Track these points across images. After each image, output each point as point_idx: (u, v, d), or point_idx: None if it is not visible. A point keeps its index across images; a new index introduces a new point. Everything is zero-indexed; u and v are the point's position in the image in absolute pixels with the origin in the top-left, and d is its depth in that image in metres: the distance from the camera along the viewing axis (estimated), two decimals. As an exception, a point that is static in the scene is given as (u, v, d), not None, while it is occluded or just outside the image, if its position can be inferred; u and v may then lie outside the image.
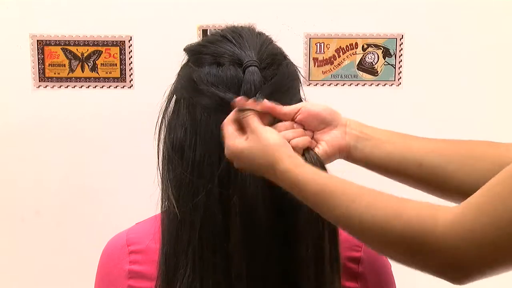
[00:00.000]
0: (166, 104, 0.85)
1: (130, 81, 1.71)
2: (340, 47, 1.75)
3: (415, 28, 1.75)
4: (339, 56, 1.75)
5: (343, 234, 0.84)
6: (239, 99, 0.75)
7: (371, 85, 1.77)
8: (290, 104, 0.79)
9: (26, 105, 1.70)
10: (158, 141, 0.84)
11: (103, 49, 1.70)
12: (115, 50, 1.70)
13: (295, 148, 0.74)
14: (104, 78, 1.71)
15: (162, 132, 0.84)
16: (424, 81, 1.78)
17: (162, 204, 0.83)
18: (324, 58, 1.75)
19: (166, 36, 1.68)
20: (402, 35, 1.76)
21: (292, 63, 0.85)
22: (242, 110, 0.75)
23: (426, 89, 1.78)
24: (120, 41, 1.70)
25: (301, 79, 0.86)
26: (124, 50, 1.70)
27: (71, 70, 1.70)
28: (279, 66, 0.81)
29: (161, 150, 0.84)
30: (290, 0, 1.72)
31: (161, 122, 0.84)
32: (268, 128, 0.74)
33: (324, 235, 0.79)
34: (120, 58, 1.70)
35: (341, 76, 1.77)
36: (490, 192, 0.58)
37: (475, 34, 1.77)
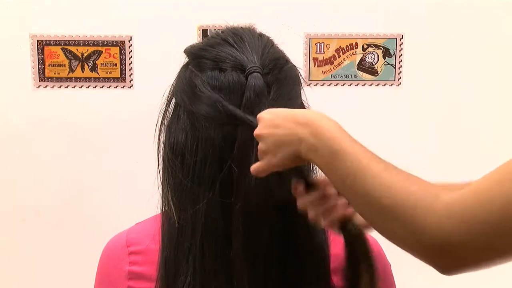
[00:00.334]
0: (166, 106, 0.84)
1: (130, 81, 1.71)
2: (340, 47, 1.75)
3: (415, 28, 1.75)
4: (339, 56, 1.75)
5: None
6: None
7: (371, 85, 1.77)
8: (292, 108, 0.79)
9: (26, 105, 1.70)
10: (158, 143, 0.84)
11: (103, 49, 1.70)
12: (115, 50, 1.70)
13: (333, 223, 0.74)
14: (104, 78, 1.71)
15: (162, 134, 0.84)
16: (424, 81, 1.78)
17: (162, 205, 0.83)
18: (324, 58, 1.75)
19: (166, 36, 1.68)
20: (402, 35, 1.76)
21: (294, 67, 0.84)
22: None
23: (426, 89, 1.78)
24: (120, 41, 1.70)
25: (302, 81, 0.85)
26: (124, 50, 1.70)
27: (71, 70, 1.70)
28: (281, 71, 0.81)
29: (161, 153, 0.83)
30: (290, 0, 1.72)
31: (161, 124, 0.84)
32: None
33: (327, 241, 0.79)
34: (120, 58, 1.70)
35: (341, 76, 1.76)
36: (488, 178, 0.59)
37: (475, 34, 1.77)
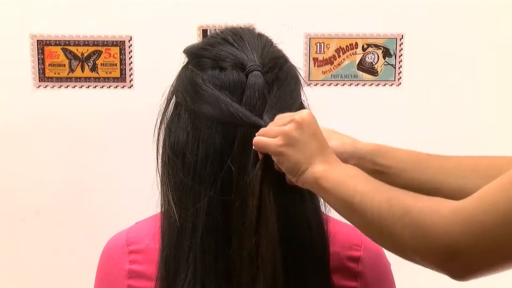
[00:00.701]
0: (166, 105, 0.84)
1: (130, 81, 1.71)
2: (340, 47, 1.75)
3: (415, 28, 1.75)
4: (339, 56, 1.75)
5: (343, 234, 0.84)
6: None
7: (371, 85, 1.77)
8: (292, 107, 0.79)
9: (26, 105, 1.70)
10: (157, 143, 0.84)
11: (103, 49, 1.70)
12: (115, 50, 1.70)
13: None
14: (104, 78, 1.71)
15: (162, 134, 0.84)
16: (424, 81, 1.78)
17: (161, 205, 0.83)
18: (324, 58, 1.75)
19: (166, 36, 1.68)
20: (402, 35, 1.76)
21: (293, 66, 0.85)
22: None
23: (426, 89, 1.78)
24: (120, 41, 1.70)
25: (301, 80, 0.85)
26: (124, 50, 1.70)
27: (71, 70, 1.70)
28: (281, 69, 0.81)
29: (160, 153, 0.83)
30: (290, 0, 1.72)
31: (160, 123, 0.84)
32: None
33: (327, 241, 0.79)
34: (120, 58, 1.70)
35: (341, 76, 1.77)
36: (493, 185, 0.60)
37: (475, 34, 1.77)
